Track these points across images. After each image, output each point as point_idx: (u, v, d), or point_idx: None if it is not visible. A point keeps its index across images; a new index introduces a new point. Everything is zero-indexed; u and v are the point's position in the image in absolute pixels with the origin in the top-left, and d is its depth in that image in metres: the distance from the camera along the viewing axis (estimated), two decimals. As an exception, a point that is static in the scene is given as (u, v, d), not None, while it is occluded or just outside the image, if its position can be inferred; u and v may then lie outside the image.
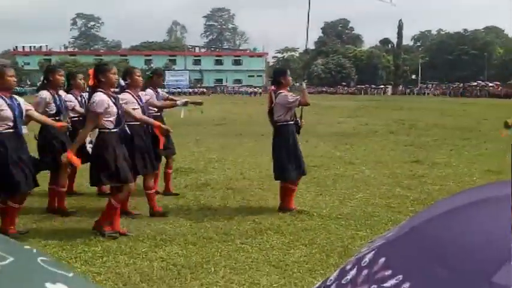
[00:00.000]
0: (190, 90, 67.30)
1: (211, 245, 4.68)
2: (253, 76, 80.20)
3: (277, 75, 5.99)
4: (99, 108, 4.70)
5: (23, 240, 4.81)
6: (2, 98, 4.69)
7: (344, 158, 9.76)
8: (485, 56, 71.48)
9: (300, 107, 5.82)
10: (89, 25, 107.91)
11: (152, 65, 74.82)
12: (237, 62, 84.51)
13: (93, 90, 4.88)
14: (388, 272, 0.76)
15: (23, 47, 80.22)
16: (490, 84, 53.05)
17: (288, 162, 5.64)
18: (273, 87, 5.92)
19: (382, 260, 0.79)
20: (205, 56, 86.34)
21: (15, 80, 4.82)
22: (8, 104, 4.68)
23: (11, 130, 4.69)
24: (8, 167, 4.62)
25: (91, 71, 4.89)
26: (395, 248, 0.81)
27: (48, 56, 77.65)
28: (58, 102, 5.74)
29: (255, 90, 65.61)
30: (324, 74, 76.22)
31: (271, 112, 5.80)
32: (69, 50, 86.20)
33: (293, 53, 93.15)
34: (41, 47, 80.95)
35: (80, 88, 6.61)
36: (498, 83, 54.43)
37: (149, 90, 6.27)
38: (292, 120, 5.76)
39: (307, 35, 6.97)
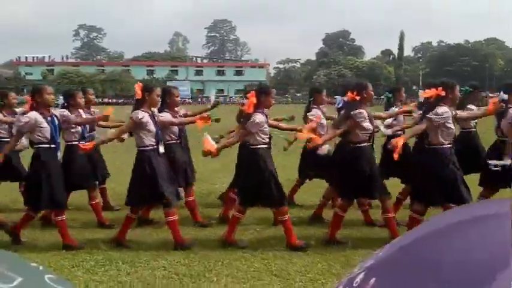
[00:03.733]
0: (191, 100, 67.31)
1: (213, 254, 4.67)
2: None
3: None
4: None
5: (24, 250, 4.82)
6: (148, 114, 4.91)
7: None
8: (487, 68, 71.63)
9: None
10: (92, 36, 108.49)
11: (154, 75, 75.18)
12: (238, 73, 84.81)
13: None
14: None
15: (26, 57, 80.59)
16: (491, 95, 53.08)
17: None
18: None
19: (373, 280, 0.79)
20: (207, 67, 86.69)
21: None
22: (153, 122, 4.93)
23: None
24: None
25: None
26: (385, 267, 0.82)
27: (50, 66, 78.05)
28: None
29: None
30: (327, 84, 76.46)
31: None
32: (71, 60, 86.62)
33: (294, 64, 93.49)
34: (44, 57, 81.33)
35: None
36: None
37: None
38: None
39: None
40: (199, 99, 66.95)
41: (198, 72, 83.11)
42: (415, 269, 0.74)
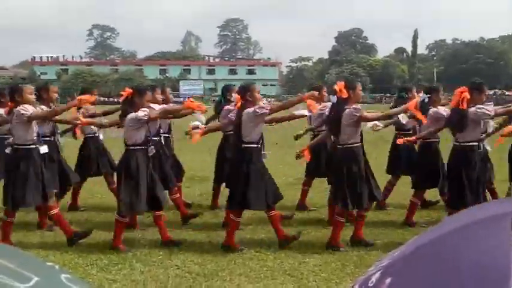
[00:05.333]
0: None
1: (226, 253, 4.67)
2: (266, 85, 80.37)
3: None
4: None
5: (39, 248, 4.87)
6: None
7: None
8: (502, 65, 70.70)
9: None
10: (105, 36, 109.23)
11: (167, 75, 75.48)
12: (251, 72, 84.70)
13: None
14: None
15: (41, 57, 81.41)
16: (507, 93, 52.33)
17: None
18: None
19: (388, 280, 0.78)
20: (219, 66, 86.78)
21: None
22: None
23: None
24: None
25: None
26: (401, 267, 0.81)
27: (65, 66, 78.76)
28: None
29: (269, 99, 65.86)
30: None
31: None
32: (85, 60, 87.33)
33: (307, 63, 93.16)
34: (58, 57, 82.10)
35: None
36: (516, 91, 53.77)
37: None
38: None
39: None
40: (212, 99, 66.95)
41: (211, 71, 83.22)
42: (430, 270, 0.76)
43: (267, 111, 4.68)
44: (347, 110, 4.69)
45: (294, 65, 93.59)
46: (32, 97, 4.86)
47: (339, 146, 4.83)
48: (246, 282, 3.98)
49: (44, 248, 4.83)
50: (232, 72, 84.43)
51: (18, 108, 4.71)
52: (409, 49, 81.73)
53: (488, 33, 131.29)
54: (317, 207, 6.42)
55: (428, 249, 0.81)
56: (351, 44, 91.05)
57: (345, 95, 4.70)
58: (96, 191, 7.18)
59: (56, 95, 5.90)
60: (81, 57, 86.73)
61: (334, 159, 5.04)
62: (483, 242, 0.75)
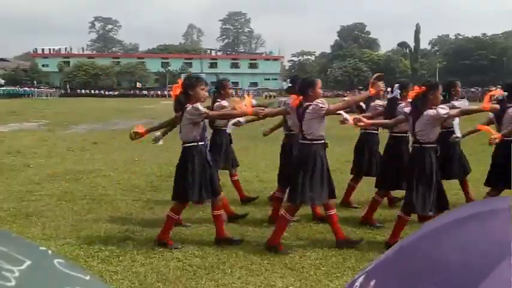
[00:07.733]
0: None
1: (228, 246, 4.67)
2: (268, 79, 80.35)
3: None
4: None
5: (40, 239, 4.87)
6: None
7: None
8: (504, 61, 70.56)
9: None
10: (107, 28, 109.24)
11: (169, 68, 75.44)
12: (253, 65, 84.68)
13: None
14: None
15: (43, 49, 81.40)
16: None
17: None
18: None
19: (373, 282, 0.79)
20: (221, 59, 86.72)
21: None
22: None
23: None
24: None
25: None
26: (385, 269, 0.80)
27: (67, 58, 78.81)
28: None
29: (270, 93, 65.84)
30: (342, 77, 76.00)
31: None
32: (87, 52, 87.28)
33: (309, 57, 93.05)
34: (60, 49, 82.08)
35: None
36: (518, 88, 53.72)
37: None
38: None
39: None
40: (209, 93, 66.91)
41: (212, 65, 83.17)
42: (413, 270, 0.76)
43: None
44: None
45: (296, 59, 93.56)
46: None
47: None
48: (247, 276, 3.98)
49: (45, 238, 4.83)
50: (235, 65, 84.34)
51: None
52: (413, 44, 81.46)
53: (492, 29, 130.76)
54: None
55: (411, 248, 0.81)
56: (354, 38, 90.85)
57: None
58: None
59: None
60: (83, 50, 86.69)
61: None
62: (462, 240, 0.75)
